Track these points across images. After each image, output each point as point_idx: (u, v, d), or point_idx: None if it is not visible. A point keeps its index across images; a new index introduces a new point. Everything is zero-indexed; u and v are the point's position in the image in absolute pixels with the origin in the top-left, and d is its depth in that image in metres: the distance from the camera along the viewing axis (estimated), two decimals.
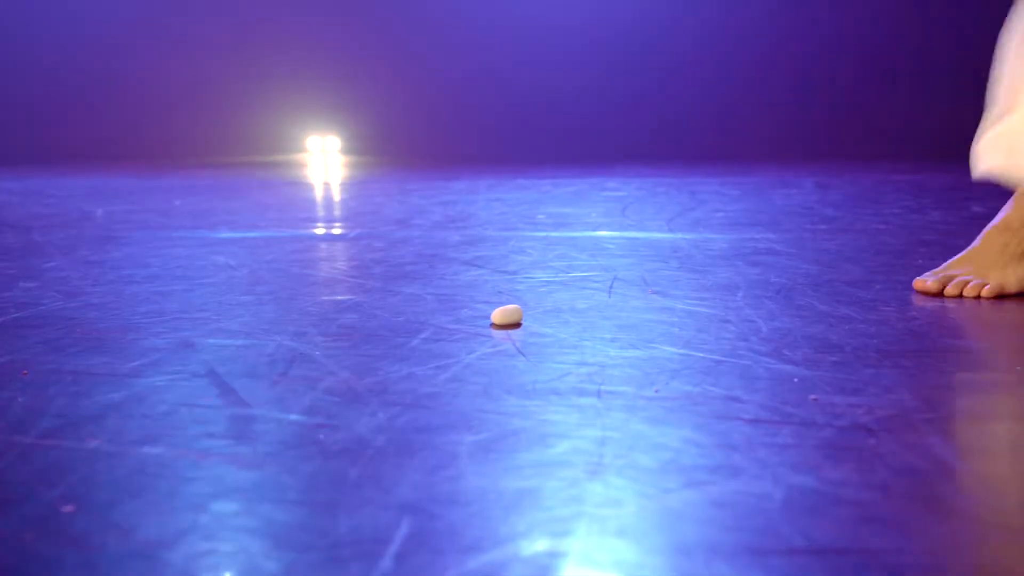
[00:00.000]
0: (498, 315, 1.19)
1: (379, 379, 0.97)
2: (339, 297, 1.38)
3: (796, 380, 0.96)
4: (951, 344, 1.08)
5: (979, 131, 1.29)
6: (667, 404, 0.90)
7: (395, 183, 3.34)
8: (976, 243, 1.36)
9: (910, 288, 1.38)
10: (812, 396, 0.91)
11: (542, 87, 4.68)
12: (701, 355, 1.07)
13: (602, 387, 0.93)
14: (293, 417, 0.86)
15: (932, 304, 1.27)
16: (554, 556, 0.60)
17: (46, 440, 0.81)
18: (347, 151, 4.72)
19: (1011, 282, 1.31)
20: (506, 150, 4.43)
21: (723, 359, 1.05)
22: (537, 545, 0.62)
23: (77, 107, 4.73)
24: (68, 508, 0.67)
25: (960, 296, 1.30)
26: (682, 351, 1.09)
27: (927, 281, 1.32)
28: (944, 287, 1.31)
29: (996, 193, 2.62)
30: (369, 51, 4.76)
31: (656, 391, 0.93)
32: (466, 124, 4.66)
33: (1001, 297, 1.29)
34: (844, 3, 4.42)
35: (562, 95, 4.67)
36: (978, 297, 1.29)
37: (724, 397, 0.93)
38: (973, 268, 1.33)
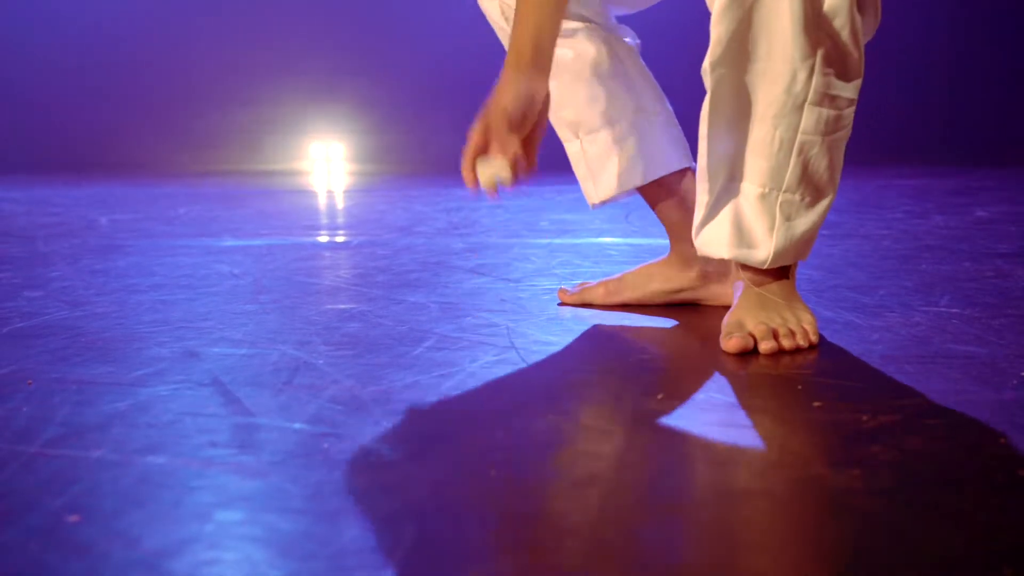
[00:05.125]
0: (481, 168, 1.14)
1: (383, 388, 0.97)
2: (343, 306, 1.38)
3: (800, 387, 0.96)
4: (954, 350, 1.08)
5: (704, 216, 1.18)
6: (671, 411, 0.90)
7: (398, 190, 3.34)
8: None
9: (913, 294, 1.38)
10: (815, 403, 0.91)
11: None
12: (705, 362, 1.07)
13: (605, 395, 0.94)
14: (297, 426, 0.86)
15: (936, 310, 1.27)
16: (557, 564, 0.60)
17: (51, 449, 0.81)
18: (350, 158, 4.73)
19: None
20: None
21: (726, 365, 1.05)
22: (541, 554, 0.62)
23: (80, 116, 4.74)
24: (73, 517, 0.67)
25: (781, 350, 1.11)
26: (686, 357, 1.09)
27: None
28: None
29: (997, 198, 2.62)
30: (372, 58, 4.77)
31: (660, 397, 0.93)
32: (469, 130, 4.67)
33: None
34: None
35: None
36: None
37: (728, 404, 0.93)
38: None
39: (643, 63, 1.34)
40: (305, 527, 0.66)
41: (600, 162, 1.31)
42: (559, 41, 1.28)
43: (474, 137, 1.15)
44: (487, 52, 5.10)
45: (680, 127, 1.34)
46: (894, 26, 4.54)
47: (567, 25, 1.28)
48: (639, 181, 1.30)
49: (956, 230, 2.02)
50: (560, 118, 1.33)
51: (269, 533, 0.65)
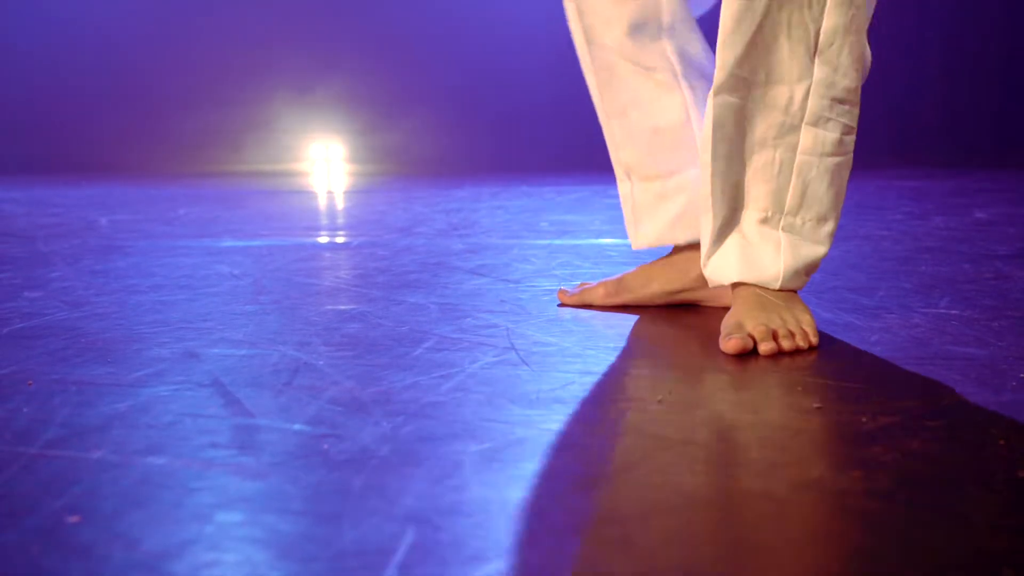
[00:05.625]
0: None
1: (383, 389, 0.97)
2: (343, 306, 1.38)
3: (800, 388, 0.96)
4: (954, 351, 1.08)
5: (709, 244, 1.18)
6: (671, 413, 0.90)
7: (398, 191, 3.34)
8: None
9: (913, 295, 1.38)
10: (815, 404, 0.91)
11: (545, 94, 4.69)
12: (704, 363, 1.07)
13: (605, 396, 0.94)
14: (297, 427, 0.86)
15: (935, 312, 1.28)
16: (558, 566, 0.60)
17: (51, 451, 0.81)
18: (350, 159, 4.73)
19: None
20: (509, 157, 4.43)
21: (726, 366, 1.05)
22: (540, 555, 0.62)
23: (80, 117, 4.74)
24: (73, 519, 0.67)
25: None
26: (685, 358, 1.09)
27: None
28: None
29: (997, 200, 2.62)
30: (372, 59, 4.77)
31: (660, 399, 0.93)
32: (469, 132, 4.67)
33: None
34: None
35: (565, 102, 4.67)
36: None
37: (727, 405, 0.93)
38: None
39: None
40: (305, 528, 0.66)
41: (646, 212, 1.31)
42: (636, 70, 1.23)
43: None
44: (488, 53, 5.11)
45: None
46: (893, 28, 4.54)
47: (647, 58, 1.24)
48: (677, 241, 1.30)
49: (955, 232, 2.02)
50: (618, 157, 1.32)
51: (269, 534, 0.65)
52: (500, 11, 4.65)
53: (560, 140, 4.60)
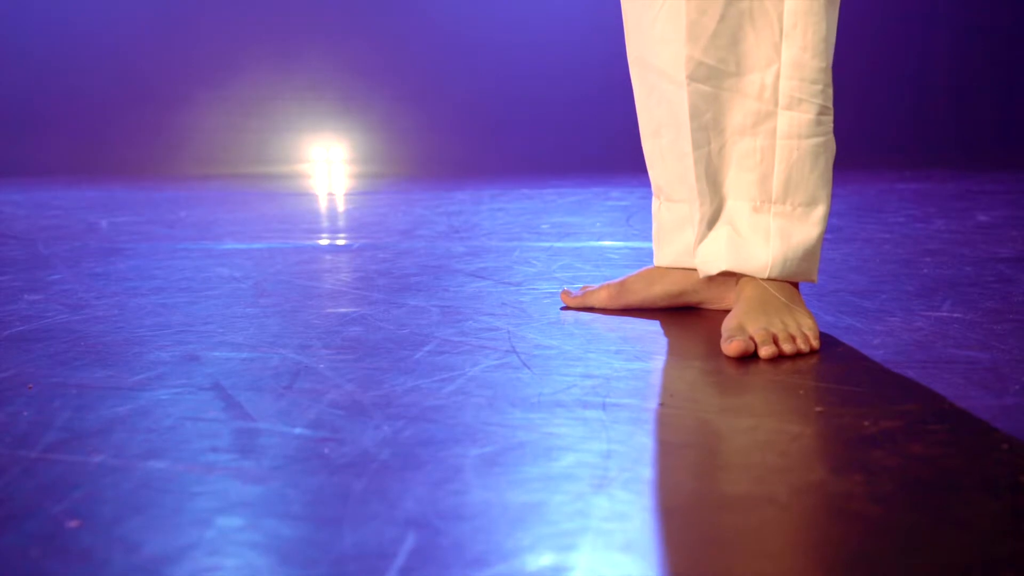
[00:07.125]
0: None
1: (384, 392, 0.97)
2: (344, 309, 1.38)
3: (801, 392, 0.96)
4: (956, 355, 1.07)
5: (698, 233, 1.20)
6: (672, 417, 0.89)
7: (399, 193, 3.34)
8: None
9: (915, 298, 1.38)
10: (817, 408, 0.91)
11: (546, 96, 4.69)
12: (705, 365, 1.07)
13: (607, 400, 0.93)
14: (298, 431, 0.86)
15: (937, 315, 1.27)
16: (559, 570, 0.60)
17: (51, 454, 0.81)
18: (351, 161, 4.73)
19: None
20: (510, 159, 4.43)
21: (727, 369, 1.05)
22: (542, 559, 0.62)
23: (81, 119, 4.75)
24: (73, 523, 0.67)
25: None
26: (687, 361, 1.09)
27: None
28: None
29: (999, 203, 2.61)
30: (373, 61, 4.77)
31: (661, 401, 0.93)
32: (470, 134, 4.67)
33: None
34: (845, 11, 4.43)
35: (566, 104, 4.67)
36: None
37: (728, 408, 0.93)
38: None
39: None
40: (306, 533, 0.66)
41: (669, 233, 1.30)
42: (675, 91, 1.17)
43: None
44: (489, 55, 5.11)
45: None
46: (895, 31, 4.54)
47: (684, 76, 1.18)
48: (695, 266, 1.27)
49: (957, 234, 2.02)
50: (651, 173, 1.31)
51: (270, 539, 0.65)
52: (503, 13, 4.66)
53: (561, 142, 4.60)
